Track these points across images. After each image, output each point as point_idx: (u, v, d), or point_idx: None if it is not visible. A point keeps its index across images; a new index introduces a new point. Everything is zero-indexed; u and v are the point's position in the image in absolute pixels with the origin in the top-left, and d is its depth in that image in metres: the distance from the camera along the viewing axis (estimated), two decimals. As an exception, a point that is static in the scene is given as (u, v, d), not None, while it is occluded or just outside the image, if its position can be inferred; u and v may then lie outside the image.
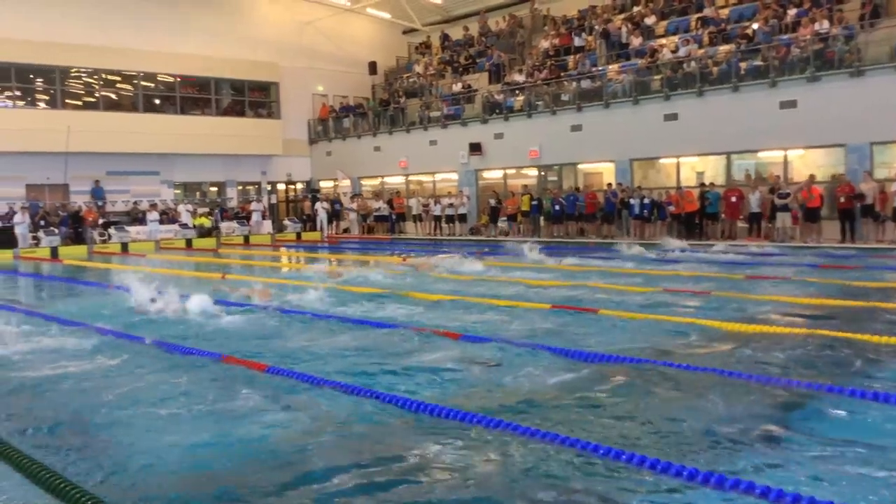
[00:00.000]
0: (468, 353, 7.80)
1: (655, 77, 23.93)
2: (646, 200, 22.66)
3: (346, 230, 31.87)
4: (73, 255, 23.75)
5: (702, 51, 23.49)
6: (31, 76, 28.05)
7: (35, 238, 25.13)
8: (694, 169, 23.77)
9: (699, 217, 21.91)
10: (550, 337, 8.55)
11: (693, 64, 23.01)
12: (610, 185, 23.98)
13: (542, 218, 25.71)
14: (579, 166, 26.38)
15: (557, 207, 24.63)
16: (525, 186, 26.61)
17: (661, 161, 24.38)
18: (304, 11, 34.17)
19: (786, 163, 21.55)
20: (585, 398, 6.28)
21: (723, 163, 22.90)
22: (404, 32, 38.07)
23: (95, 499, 3.92)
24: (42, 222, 26.07)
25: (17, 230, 24.73)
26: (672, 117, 22.93)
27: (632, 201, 22.83)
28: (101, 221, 27.45)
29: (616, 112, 24.38)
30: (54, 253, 23.92)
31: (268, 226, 30.65)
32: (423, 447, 5.13)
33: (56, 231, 25.57)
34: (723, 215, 21.40)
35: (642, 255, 18.17)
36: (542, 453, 4.85)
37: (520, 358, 7.58)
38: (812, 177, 19.96)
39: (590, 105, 25.12)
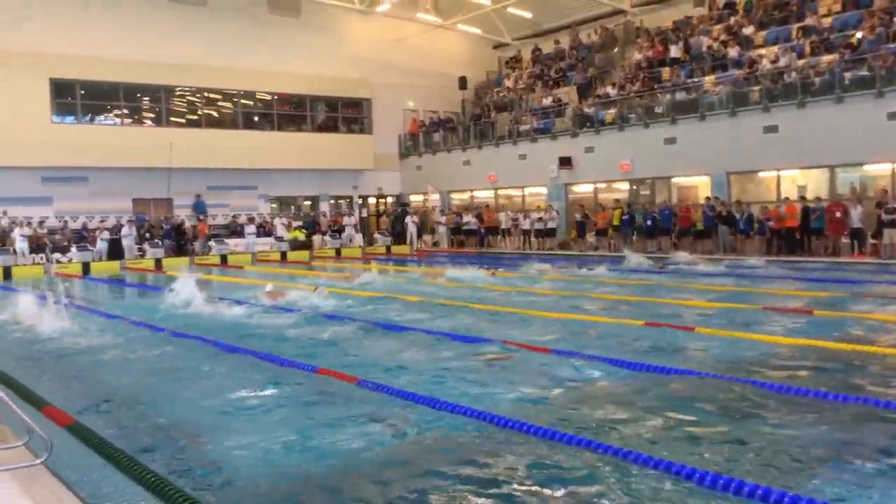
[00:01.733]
0: (557, 369, 7.70)
1: (754, 88, 23.20)
2: (742, 214, 21.94)
3: (435, 244, 32.10)
4: (175, 266, 24.74)
5: (803, 61, 22.65)
6: (139, 95, 29.51)
7: (140, 250, 26.32)
8: (795, 182, 22.90)
9: (801, 233, 21.07)
10: (643, 354, 8.35)
11: (794, 74, 22.20)
12: (708, 198, 23.34)
13: (633, 233, 25.17)
14: (673, 180, 25.80)
15: (650, 222, 24.12)
16: (616, 201, 26.20)
17: (760, 174, 23.58)
18: (396, 29, 34.77)
19: (894, 176, 20.50)
20: (680, 419, 6.09)
21: (826, 176, 21.98)
22: (494, 47, 38.22)
23: (194, 501, 4.03)
24: (147, 235, 27.31)
25: (124, 242, 25.98)
26: (772, 129, 22.17)
27: (736, 215, 22.12)
28: (205, 233, 28.53)
29: (712, 124, 23.76)
30: (158, 264, 24.97)
31: (359, 239, 31.18)
32: (510, 463, 5.08)
33: (160, 243, 26.71)
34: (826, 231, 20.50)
35: (737, 271, 17.62)
36: (634, 477, 4.72)
37: (609, 375, 7.44)
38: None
39: (685, 117, 24.56)
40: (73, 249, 24.85)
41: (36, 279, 21.89)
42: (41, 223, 25.99)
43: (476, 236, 30.11)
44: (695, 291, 14.38)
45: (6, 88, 25.15)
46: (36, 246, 24.78)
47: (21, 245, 24.13)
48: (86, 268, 23.79)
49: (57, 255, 24.84)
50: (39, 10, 26.44)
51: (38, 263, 24.07)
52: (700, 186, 25.10)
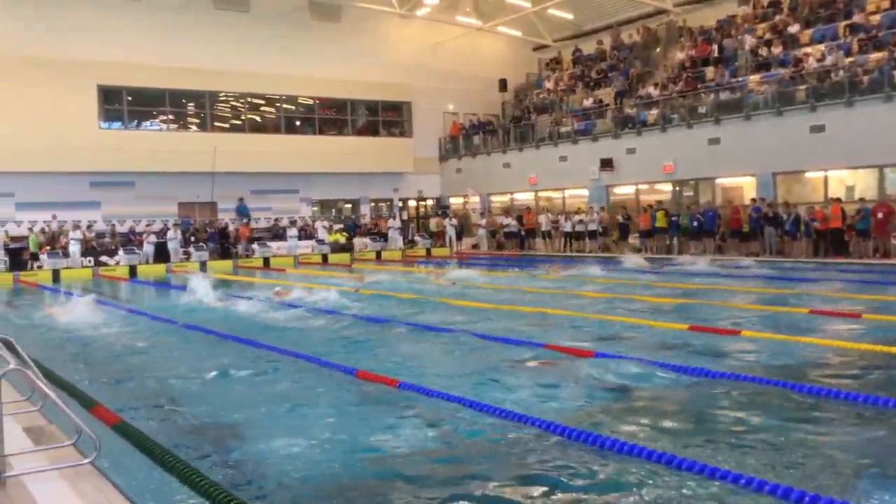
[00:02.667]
0: (601, 372, 7.63)
1: (800, 87, 22.76)
2: (789, 216, 21.52)
3: (475, 246, 32.08)
4: (220, 268, 25.10)
5: (850, 59, 22.14)
6: (183, 101, 30.04)
7: (186, 253, 26.77)
8: (843, 183, 22.39)
9: (848, 234, 20.59)
10: (688, 357, 8.24)
11: (841, 73, 21.72)
12: (753, 199, 22.94)
13: (678, 235, 24.81)
14: (717, 181, 25.41)
15: (695, 223, 23.79)
16: (659, 202, 25.90)
17: (807, 175, 23.11)
18: (436, 32, 34.86)
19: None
20: (725, 424, 5.99)
21: (875, 176, 21.45)
22: (535, 49, 38.08)
23: (239, 501, 4.07)
24: (192, 238, 27.77)
25: (170, 245, 26.47)
26: (819, 129, 21.71)
27: (782, 216, 21.70)
28: (247, 236, 28.92)
29: (757, 124, 23.36)
30: (203, 267, 25.36)
31: (399, 242, 31.29)
32: (552, 467, 5.04)
33: (205, 246, 27.14)
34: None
35: (782, 272, 17.30)
36: (680, 483, 4.65)
37: (655, 378, 7.35)
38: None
39: (729, 117, 24.18)
40: (121, 252, 25.38)
41: (84, 282, 22.39)
42: (89, 227, 26.59)
43: (516, 239, 30.02)
44: (739, 294, 14.16)
45: (56, 96, 25.79)
46: (85, 249, 25.36)
47: (73, 248, 24.73)
48: (132, 270, 24.28)
49: (104, 258, 25.38)
50: (87, 20, 27.06)
51: (87, 266, 24.61)
52: (745, 187, 24.68)
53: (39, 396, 5.32)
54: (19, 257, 24.46)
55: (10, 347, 4.90)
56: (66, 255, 24.53)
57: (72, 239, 24.87)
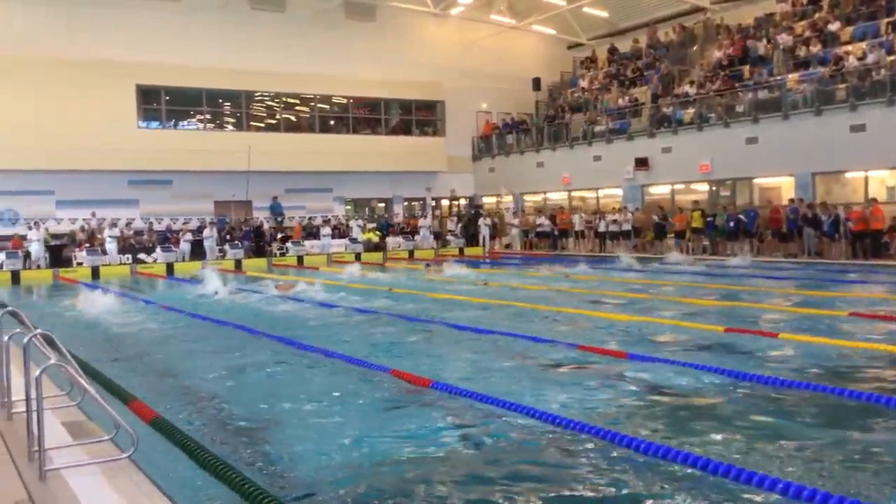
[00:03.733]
0: (635, 374, 7.56)
1: (840, 86, 22.34)
2: (828, 216, 21.13)
3: (507, 246, 32.01)
4: (254, 266, 25.34)
5: (893, 57, 21.68)
6: (220, 101, 30.38)
7: (221, 251, 27.07)
8: (884, 183, 21.93)
9: (889, 235, 20.17)
10: (723, 359, 8.12)
11: (883, 71, 21.28)
12: (791, 200, 22.58)
13: (716, 235, 24.47)
14: (755, 181, 25.05)
15: (732, 224, 23.46)
16: (695, 202, 25.61)
17: (847, 175, 22.68)
18: (470, 31, 34.83)
19: None
20: (766, 428, 5.90)
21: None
22: (569, 47, 37.87)
23: (273, 497, 4.10)
24: (228, 236, 28.09)
25: (206, 244, 26.79)
26: (859, 128, 21.29)
27: (821, 217, 21.32)
28: (279, 235, 29.20)
29: (796, 123, 22.97)
30: (238, 265, 25.62)
31: (432, 241, 31.33)
32: (585, 469, 5.00)
33: (240, 244, 27.43)
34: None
35: (821, 274, 17.00)
36: (715, 488, 4.59)
37: (689, 380, 7.25)
38: None
39: (767, 116, 23.82)
40: (158, 250, 25.74)
41: (122, 279, 22.76)
42: (127, 225, 27.02)
43: (549, 238, 29.89)
44: (776, 296, 13.95)
45: (96, 96, 26.23)
46: (123, 246, 25.77)
47: (110, 246, 25.15)
48: (170, 268, 24.62)
49: (142, 256, 25.77)
50: (127, 21, 27.47)
51: (125, 264, 25.01)
52: (783, 187, 24.30)
53: (78, 391, 5.41)
54: (59, 254, 24.95)
55: (50, 342, 4.98)
56: (104, 252, 24.95)
57: (108, 236, 25.28)
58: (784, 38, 25.66)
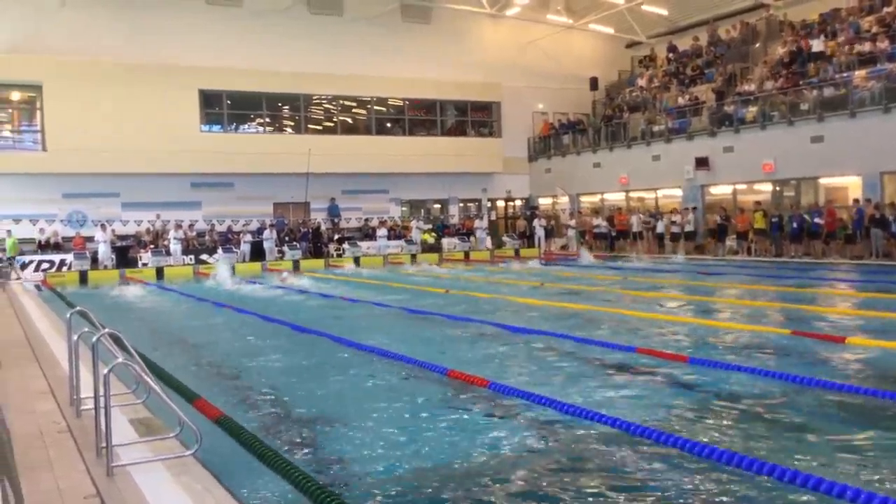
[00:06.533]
0: (696, 378, 7.41)
1: (910, 82, 21.55)
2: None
3: (564, 247, 31.74)
4: (311, 267, 25.65)
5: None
6: (279, 104, 30.88)
7: (280, 252, 27.50)
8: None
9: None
10: (788, 364, 7.91)
11: (959, 65, 20.47)
12: (857, 200, 21.87)
13: (777, 236, 23.85)
14: (820, 180, 24.34)
15: (795, 225, 22.84)
16: (758, 203, 25.00)
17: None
18: (526, 31, 34.67)
19: None
20: (828, 434, 5.72)
21: None
22: (627, 46, 37.39)
23: (335, 496, 4.12)
24: (286, 238, 28.53)
25: (265, 245, 27.26)
26: (931, 125, 20.52)
27: (889, 218, 20.59)
28: (336, 237, 29.53)
29: (863, 121, 22.24)
30: (296, 265, 25.98)
31: (488, 242, 31.27)
32: (642, 473, 4.91)
33: (298, 245, 27.83)
34: None
35: (889, 277, 16.41)
36: (779, 495, 4.46)
37: (752, 385, 7.07)
38: None
39: (833, 114, 23.12)
40: (219, 251, 26.27)
41: (185, 279, 23.29)
42: (190, 226, 27.66)
43: (606, 239, 29.55)
44: (843, 298, 13.53)
45: (161, 100, 26.91)
46: (186, 247, 26.39)
47: (176, 247, 25.80)
48: (230, 269, 25.08)
49: (204, 256, 26.34)
50: (190, 27, 28.19)
51: (188, 264, 25.60)
52: (850, 187, 23.55)
53: (144, 389, 5.54)
54: (125, 255, 25.67)
55: (117, 341, 5.10)
56: (168, 253, 25.59)
57: (173, 238, 25.92)
58: (847, 35, 24.84)
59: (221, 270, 22.54)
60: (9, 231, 24.85)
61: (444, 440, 5.78)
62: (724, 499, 4.54)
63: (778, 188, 25.56)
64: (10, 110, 26.99)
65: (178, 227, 26.66)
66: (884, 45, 23.58)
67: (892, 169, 21.88)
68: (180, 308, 15.30)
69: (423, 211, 34.44)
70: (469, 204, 35.44)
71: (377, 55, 31.25)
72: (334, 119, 31.72)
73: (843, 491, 4.26)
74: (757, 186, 26.15)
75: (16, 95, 26.84)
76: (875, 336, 9.37)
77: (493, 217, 35.28)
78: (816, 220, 22.33)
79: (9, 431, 5.17)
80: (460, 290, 16.34)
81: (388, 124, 33.10)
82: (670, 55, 34.25)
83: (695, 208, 27.01)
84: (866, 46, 24.01)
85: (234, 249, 26.58)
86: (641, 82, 34.01)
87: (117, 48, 26.88)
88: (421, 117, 33.49)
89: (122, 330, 5.29)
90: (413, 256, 28.35)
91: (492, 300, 14.48)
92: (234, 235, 28.12)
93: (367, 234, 30.39)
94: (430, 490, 4.84)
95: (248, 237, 27.37)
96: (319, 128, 31.50)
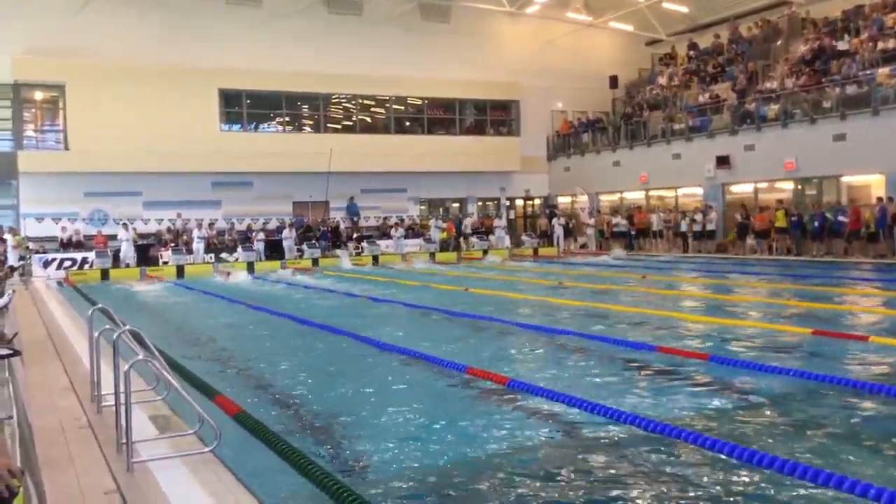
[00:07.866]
0: (716, 376, 7.35)
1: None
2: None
3: (583, 246, 31.61)
4: (331, 266, 25.71)
5: None
6: (299, 103, 30.99)
7: (299, 250, 27.60)
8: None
9: None
10: (810, 363, 7.82)
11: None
12: (880, 199, 21.61)
13: (801, 235, 23.61)
14: (843, 179, 24.07)
15: (817, 224, 22.60)
16: (779, 201, 24.77)
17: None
18: (545, 30, 34.56)
19: None
20: (850, 434, 5.65)
21: None
22: (647, 44, 37.16)
23: (355, 494, 4.13)
24: (306, 236, 28.62)
25: (285, 243, 27.36)
26: (957, 123, 20.23)
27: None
28: (355, 235, 29.60)
29: (887, 119, 21.96)
30: (315, 263, 26.06)
31: (506, 241, 31.21)
32: (664, 471, 4.88)
33: (317, 244, 27.91)
34: None
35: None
36: (803, 494, 4.41)
37: (773, 384, 7.01)
38: None
39: (856, 112, 22.86)
40: (239, 249, 26.43)
41: (205, 277, 23.43)
42: (210, 225, 27.84)
43: (625, 238, 29.39)
44: (866, 298, 13.37)
45: (181, 100, 27.11)
46: (207, 246, 26.57)
47: (198, 245, 26.00)
48: (250, 267, 25.23)
49: (224, 255, 26.50)
50: (210, 28, 28.36)
51: (208, 262, 25.77)
52: (873, 185, 23.28)
53: (164, 386, 5.58)
54: (146, 253, 25.89)
55: (137, 339, 5.15)
56: (189, 251, 25.78)
57: (196, 237, 26.11)
58: (870, 31, 24.54)
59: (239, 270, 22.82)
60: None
61: (462, 437, 5.77)
62: (742, 498, 4.50)
63: (800, 186, 25.32)
64: (33, 110, 27.26)
65: (200, 226, 26.84)
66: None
67: (917, 167, 21.61)
68: (199, 306, 15.38)
69: (441, 210, 34.43)
70: (487, 203, 35.40)
71: (396, 54, 31.28)
72: (353, 118, 31.80)
73: (865, 489, 4.20)
74: (778, 185, 25.92)
75: (39, 95, 27.12)
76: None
77: (512, 216, 35.20)
78: (841, 218, 22.11)
79: (31, 427, 5.23)
80: (480, 289, 16.31)
81: (407, 123, 33.12)
82: (691, 53, 34.01)
83: (711, 207, 26.79)
84: (890, 43, 23.73)
85: (254, 248, 26.72)
86: (662, 80, 33.80)
87: (138, 49, 27.10)
88: (440, 116, 33.48)
89: (142, 327, 5.33)
90: (432, 255, 28.34)
91: (514, 299, 14.45)
92: (252, 234, 28.28)
93: (385, 232, 30.44)
94: (450, 488, 4.83)
95: (261, 235, 27.49)
96: (338, 127, 31.58)
